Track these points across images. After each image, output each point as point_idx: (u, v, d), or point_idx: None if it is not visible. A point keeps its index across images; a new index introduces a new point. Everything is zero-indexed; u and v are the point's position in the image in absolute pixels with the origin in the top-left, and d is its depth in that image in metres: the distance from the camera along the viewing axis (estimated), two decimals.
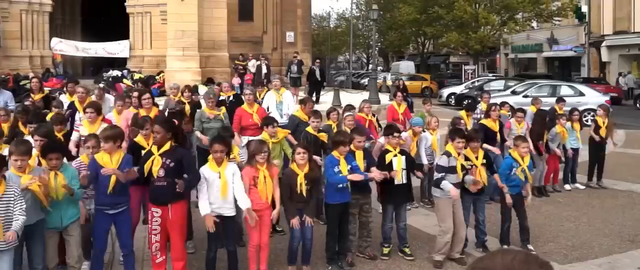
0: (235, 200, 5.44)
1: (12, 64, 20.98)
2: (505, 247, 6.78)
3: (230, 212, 5.47)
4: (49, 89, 14.07)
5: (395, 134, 6.43)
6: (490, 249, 6.68)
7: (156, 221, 5.33)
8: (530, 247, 6.80)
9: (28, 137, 6.01)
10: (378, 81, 25.45)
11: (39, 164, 5.19)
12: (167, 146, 5.32)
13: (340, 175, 5.89)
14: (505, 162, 7.02)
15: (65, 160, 5.28)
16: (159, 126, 5.35)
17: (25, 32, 21.84)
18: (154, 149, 5.34)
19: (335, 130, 8.00)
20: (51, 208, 4.91)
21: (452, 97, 25.89)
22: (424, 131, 8.44)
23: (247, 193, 5.47)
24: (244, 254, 5.79)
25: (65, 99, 10.15)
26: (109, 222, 5.31)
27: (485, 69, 42.04)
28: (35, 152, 5.23)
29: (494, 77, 30.27)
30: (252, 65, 22.03)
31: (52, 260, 5.08)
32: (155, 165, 5.24)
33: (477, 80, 28.04)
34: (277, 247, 6.31)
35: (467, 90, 25.30)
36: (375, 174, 6.08)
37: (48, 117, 7.76)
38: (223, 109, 8.78)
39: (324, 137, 7.62)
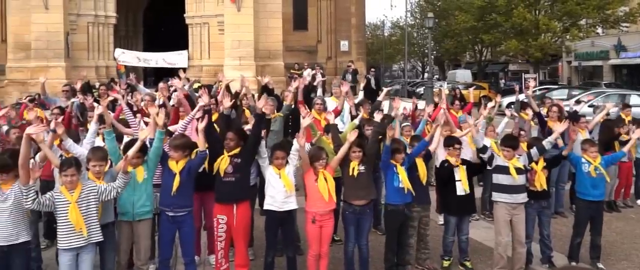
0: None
1: (80, 74, 21.94)
2: (573, 264, 6.48)
3: (292, 205, 5.63)
4: (114, 96, 14.55)
5: (456, 146, 6.28)
6: (557, 265, 6.41)
7: (222, 228, 5.49)
8: (600, 265, 6.47)
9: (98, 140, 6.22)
10: (434, 90, 24.99)
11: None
12: (236, 150, 5.55)
13: (401, 184, 5.87)
14: (574, 157, 6.71)
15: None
16: (234, 134, 5.55)
17: (91, 44, 22.81)
18: (225, 153, 5.53)
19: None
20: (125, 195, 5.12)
21: (512, 106, 25.08)
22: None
23: (309, 195, 5.63)
24: (303, 263, 5.79)
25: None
26: (174, 230, 5.45)
27: (546, 78, 40.61)
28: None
29: (556, 86, 29.17)
30: (307, 74, 22.14)
31: (125, 256, 5.27)
32: (224, 164, 5.45)
33: (539, 89, 27.09)
34: (335, 256, 6.28)
35: (527, 99, 24.46)
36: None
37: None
38: (279, 114, 8.81)
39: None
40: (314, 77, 21.38)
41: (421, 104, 13.51)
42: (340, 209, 6.00)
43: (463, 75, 40.81)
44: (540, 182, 6.27)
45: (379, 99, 8.87)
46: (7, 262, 4.60)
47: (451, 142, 6.42)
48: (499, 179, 6.12)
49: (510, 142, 6.22)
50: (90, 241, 4.74)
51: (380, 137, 7.12)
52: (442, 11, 41.87)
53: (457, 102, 10.92)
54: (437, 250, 6.54)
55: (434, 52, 48.42)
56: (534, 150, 6.31)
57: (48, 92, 18.59)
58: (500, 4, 31.16)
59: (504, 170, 6.06)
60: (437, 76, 49.12)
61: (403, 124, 8.31)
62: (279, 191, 5.53)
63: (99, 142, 6.13)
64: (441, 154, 7.70)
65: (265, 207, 5.66)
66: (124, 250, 5.31)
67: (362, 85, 17.63)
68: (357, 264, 5.87)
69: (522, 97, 11.40)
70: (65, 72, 21.17)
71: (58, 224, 4.71)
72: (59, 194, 4.70)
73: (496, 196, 6.17)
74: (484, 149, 6.20)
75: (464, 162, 6.40)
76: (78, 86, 10.83)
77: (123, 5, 25.28)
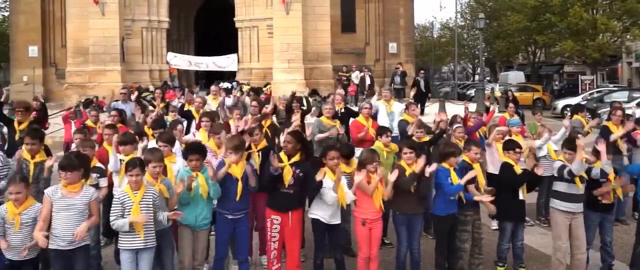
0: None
1: (135, 77, 22.67)
2: None
3: (338, 220, 5.59)
4: (167, 100, 14.95)
5: (517, 150, 6.11)
6: None
7: (275, 229, 5.51)
8: None
9: (152, 143, 6.37)
10: (485, 92, 24.41)
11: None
12: (297, 157, 5.49)
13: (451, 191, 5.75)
14: (633, 166, 6.42)
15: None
16: (291, 136, 5.54)
17: (145, 48, 23.55)
18: (284, 158, 5.49)
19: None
20: (188, 204, 5.19)
21: (568, 109, 24.18)
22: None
23: (359, 200, 5.53)
24: (353, 265, 5.76)
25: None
26: (231, 229, 5.50)
27: (604, 79, 38.96)
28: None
29: (616, 88, 27.93)
30: (355, 76, 22.12)
31: (186, 257, 5.32)
32: (287, 174, 5.40)
33: (597, 91, 26.05)
34: (385, 259, 6.23)
35: (585, 102, 23.51)
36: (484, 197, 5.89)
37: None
38: (337, 121, 8.78)
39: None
40: (362, 80, 21.34)
41: (472, 107, 13.25)
42: (391, 212, 5.92)
43: (516, 77, 39.66)
44: (618, 194, 6.04)
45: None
46: (69, 262, 4.73)
47: (511, 145, 6.25)
48: (560, 186, 5.89)
49: (572, 144, 5.95)
50: (148, 245, 4.86)
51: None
52: (494, 12, 40.88)
53: (511, 104, 10.41)
54: (490, 256, 6.37)
55: (485, 54, 47.36)
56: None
57: (106, 95, 19.32)
58: (554, 3, 30.14)
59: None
60: (488, 78, 47.93)
61: (455, 126, 8.12)
62: (328, 206, 5.45)
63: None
64: (490, 161, 7.51)
65: (312, 215, 5.61)
66: (188, 255, 5.32)
67: (412, 93, 17.39)
68: (408, 267, 5.79)
69: (578, 99, 11.01)
70: (121, 75, 21.92)
71: None
72: (124, 194, 4.82)
73: (556, 203, 5.96)
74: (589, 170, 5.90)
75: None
76: (134, 97, 11.20)
77: (175, 11, 25.95)
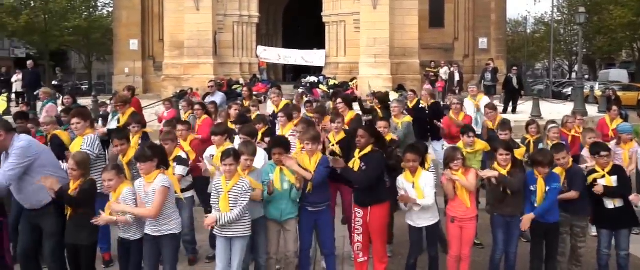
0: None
1: (226, 70, 23.49)
2: None
3: (428, 221, 5.40)
4: (255, 93, 15.30)
5: (603, 153, 5.65)
6: None
7: (358, 221, 5.46)
8: None
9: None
10: (584, 91, 22.96)
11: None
12: (367, 149, 5.35)
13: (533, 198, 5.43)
14: None
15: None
16: (364, 131, 5.44)
17: (236, 42, 24.30)
18: (356, 151, 5.41)
19: (532, 145, 7.40)
20: (271, 201, 5.25)
21: None
22: None
23: (449, 199, 5.38)
24: (443, 264, 5.62)
25: (270, 104, 10.99)
26: (312, 221, 5.50)
27: None
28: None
29: None
30: (443, 72, 21.60)
31: (274, 248, 5.42)
32: (355, 167, 5.31)
33: None
34: (475, 260, 6.00)
35: None
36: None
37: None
38: (408, 117, 8.56)
39: (518, 153, 6.99)
40: (451, 76, 20.79)
41: (570, 106, 12.48)
42: (478, 213, 5.70)
43: (618, 75, 37.00)
44: None
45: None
46: (157, 247, 4.94)
47: (597, 149, 5.76)
48: None
49: None
50: (241, 234, 4.98)
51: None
52: (595, 5, 38.38)
53: (614, 107, 9.38)
54: (590, 265, 5.96)
55: (584, 50, 44.55)
56: None
57: (199, 87, 20.12)
58: None
59: None
60: (587, 76, 45.13)
61: (550, 126, 7.66)
62: (419, 210, 5.30)
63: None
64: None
65: (407, 221, 5.49)
66: (275, 245, 5.40)
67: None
68: None
69: None
70: (213, 68, 22.78)
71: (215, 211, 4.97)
72: (219, 182, 4.98)
73: None
74: None
75: (615, 171, 5.67)
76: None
77: (264, 5, 26.55)
